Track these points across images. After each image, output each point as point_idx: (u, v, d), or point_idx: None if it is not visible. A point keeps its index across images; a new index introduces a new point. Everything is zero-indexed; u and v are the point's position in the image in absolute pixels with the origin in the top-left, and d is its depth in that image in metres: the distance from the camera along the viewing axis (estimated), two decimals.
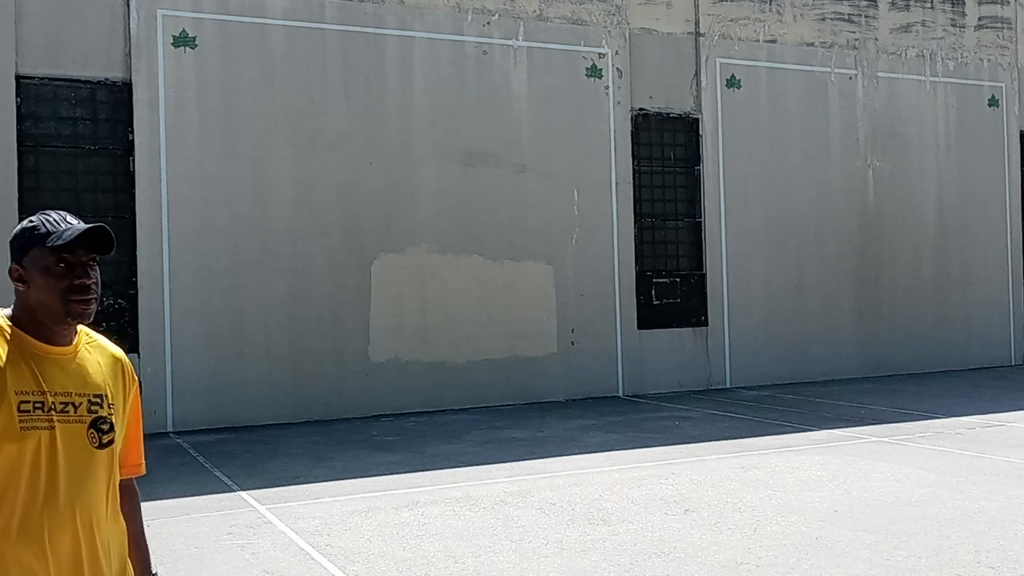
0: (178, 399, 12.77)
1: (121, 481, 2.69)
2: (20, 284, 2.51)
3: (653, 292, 15.95)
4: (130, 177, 12.81)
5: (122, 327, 12.66)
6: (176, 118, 12.89)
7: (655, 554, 6.47)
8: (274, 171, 13.41)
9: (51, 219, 2.53)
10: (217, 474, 9.67)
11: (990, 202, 19.03)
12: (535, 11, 15.08)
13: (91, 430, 2.55)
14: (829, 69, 17.41)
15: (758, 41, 16.80)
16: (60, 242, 2.46)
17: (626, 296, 15.61)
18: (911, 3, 18.23)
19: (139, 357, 12.63)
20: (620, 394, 15.43)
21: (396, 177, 14.10)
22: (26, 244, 2.51)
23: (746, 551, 6.48)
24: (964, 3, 18.75)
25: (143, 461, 2.89)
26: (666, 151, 16.24)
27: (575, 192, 15.29)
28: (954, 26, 18.61)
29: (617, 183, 15.56)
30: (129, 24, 12.75)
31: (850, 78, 17.60)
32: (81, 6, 12.59)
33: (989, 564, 6.07)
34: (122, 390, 2.80)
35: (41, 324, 2.50)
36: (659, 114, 16.13)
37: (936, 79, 18.42)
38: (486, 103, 14.70)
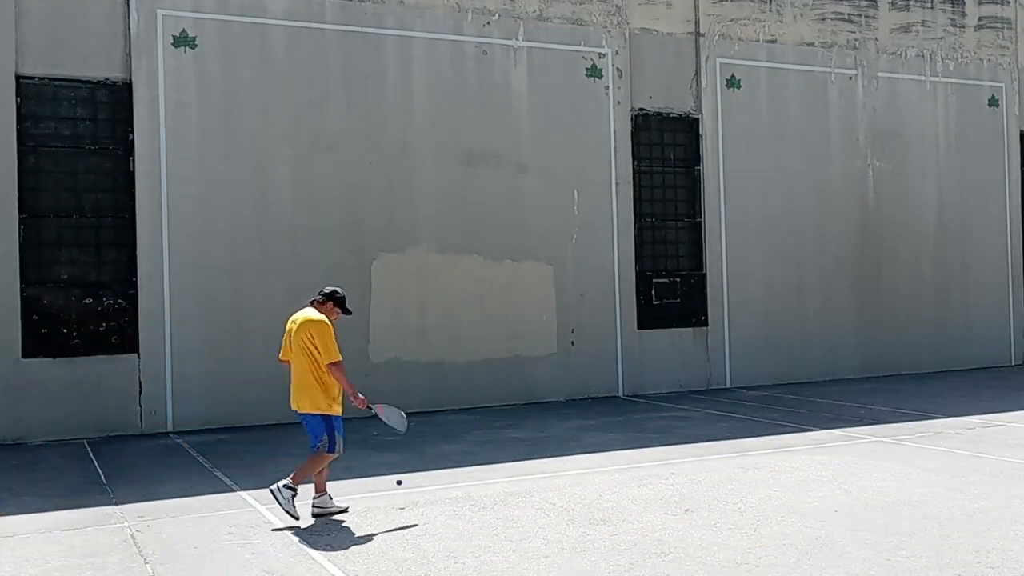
0: (178, 399, 12.77)
1: None
2: None
3: (653, 292, 15.95)
4: (130, 177, 12.81)
5: (122, 327, 12.66)
6: (176, 118, 12.90)
7: (655, 554, 6.47)
8: (274, 171, 13.41)
9: None
10: (217, 474, 9.67)
11: (990, 202, 19.03)
12: (535, 11, 15.08)
13: None
14: (829, 69, 17.41)
15: (758, 41, 16.81)
16: None
17: (626, 296, 15.61)
18: (911, 3, 18.23)
19: (139, 357, 12.63)
20: (620, 394, 15.43)
21: (396, 177, 14.10)
22: None
23: (746, 551, 6.48)
24: (964, 3, 18.76)
25: None
26: (666, 151, 16.24)
27: (575, 192, 15.29)
28: (954, 26, 18.61)
29: (617, 183, 15.56)
30: (129, 24, 12.75)
31: (850, 78, 17.60)
32: (81, 6, 12.59)
33: (989, 564, 6.07)
34: None
35: None
36: (659, 114, 16.13)
37: (936, 79, 18.42)
38: (486, 103, 14.70)
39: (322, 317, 7.72)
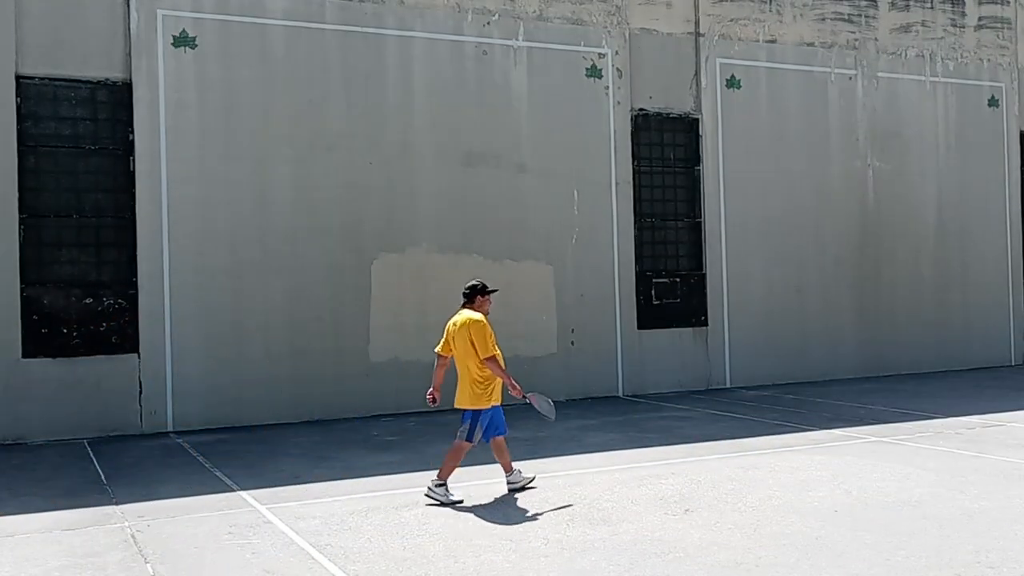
0: (178, 399, 12.77)
1: None
2: None
3: (653, 292, 15.95)
4: (130, 177, 12.81)
5: (122, 327, 12.67)
6: (176, 118, 12.90)
7: (655, 554, 6.47)
8: (274, 171, 13.42)
9: None
10: (217, 474, 9.67)
11: (990, 202, 19.03)
12: (535, 11, 15.08)
13: None
14: (829, 69, 17.42)
15: (758, 41, 16.81)
16: None
17: (626, 296, 15.61)
18: (911, 3, 18.23)
19: (139, 357, 12.63)
20: (620, 394, 15.43)
21: (396, 177, 14.10)
22: None
23: (746, 551, 6.48)
24: (964, 3, 18.76)
25: None
26: (666, 151, 16.24)
27: (575, 192, 15.29)
28: (954, 26, 18.61)
29: (617, 183, 15.56)
30: (129, 24, 12.76)
31: (850, 78, 17.60)
32: (81, 6, 12.59)
33: (989, 564, 6.07)
34: None
35: None
36: (659, 114, 16.13)
37: (936, 79, 18.43)
38: (486, 103, 14.70)
39: (479, 316, 8.31)
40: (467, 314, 8.34)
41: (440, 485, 8.16)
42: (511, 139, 14.86)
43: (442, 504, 8.05)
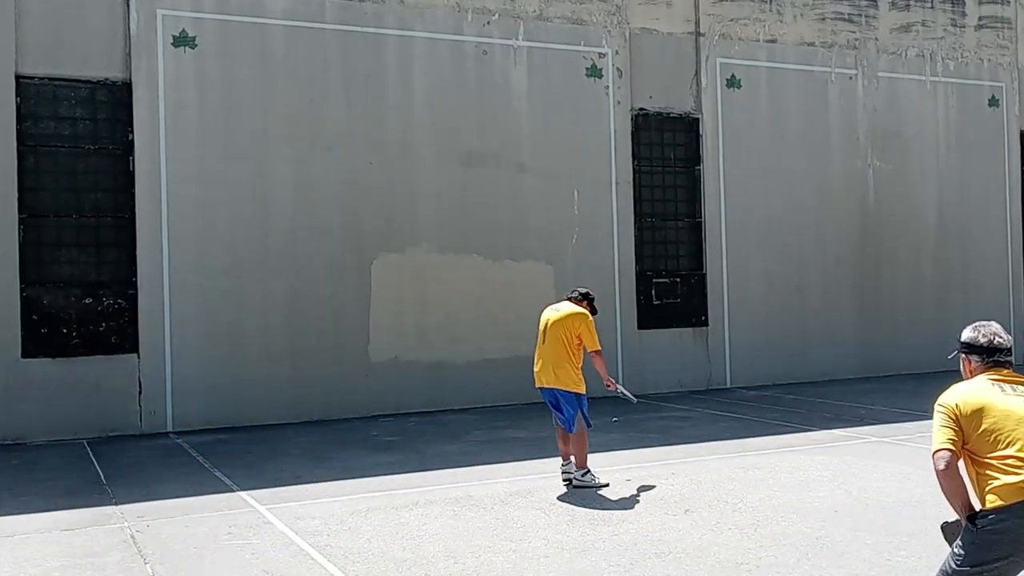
0: (178, 399, 12.76)
1: None
2: None
3: (653, 292, 15.94)
4: (130, 177, 12.80)
5: (122, 327, 12.66)
6: (176, 118, 12.89)
7: (655, 554, 6.46)
8: (274, 171, 13.41)
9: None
10: (217, 474, 9.67)
11: (990, 202, 19.02)
12: (535, 11, 15.07)
13: None
14: (829, 69, 17.41)
15: (758, 41, 16.80)
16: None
17: (626, 296, 15.60)
18: (911, 3, 18.22)
19: (139, 357, 12.62)
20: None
21: (396, 177, 14.10)
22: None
23: (746, 551, 6.47)
24: (964, 3, 18.75)
25: None
26: (666, 151, 16.23)
27: (575, 192, 15.28)
28: (954, 26, 18.61)
29: (617, 183, 15.55)
30: (129, 24, 12.75)
31: (850, 78, 17.59)
32: (81, 6, 12.58)
33: None
34: None
35: None
36: (659, 114, 16.12)
37: (936, 79, 18.42)
38: (486, 103, 14.69)
39: (584, 311, 8.83)
40: (573, 307, 8.85)
41: (586, 473, 8.57)
42: (511, 139, 14.85)
43: (594, 487, 8.48)
